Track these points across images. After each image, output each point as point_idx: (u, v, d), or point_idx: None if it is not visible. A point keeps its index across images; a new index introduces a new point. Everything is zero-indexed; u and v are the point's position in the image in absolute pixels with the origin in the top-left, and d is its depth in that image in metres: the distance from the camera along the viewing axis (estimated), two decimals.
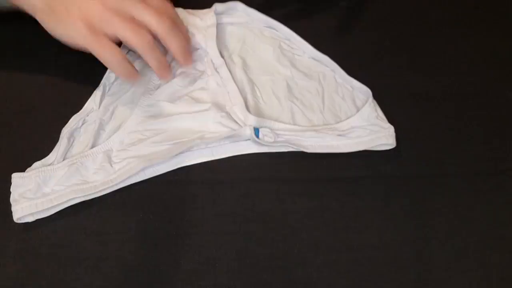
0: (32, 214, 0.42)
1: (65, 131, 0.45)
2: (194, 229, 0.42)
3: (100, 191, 0.43)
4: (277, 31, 0.54)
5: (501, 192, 0.45)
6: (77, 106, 0.48)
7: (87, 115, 0.47)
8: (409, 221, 0.43)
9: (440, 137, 0.48)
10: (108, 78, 0.48)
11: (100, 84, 0.48)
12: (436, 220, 0.43)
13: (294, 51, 0.53)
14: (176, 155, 0.45)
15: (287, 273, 0.41)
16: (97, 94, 0.47)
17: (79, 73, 0.50)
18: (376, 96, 0.49)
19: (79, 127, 0.46)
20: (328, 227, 0.43)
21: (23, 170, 0.44)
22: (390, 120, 0.48)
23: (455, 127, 0.49)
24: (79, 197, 0.43)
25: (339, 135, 0.46)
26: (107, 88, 0.48)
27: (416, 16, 0.58)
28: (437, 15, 0.58)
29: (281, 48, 0.52)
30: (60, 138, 0.45)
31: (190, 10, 0.53)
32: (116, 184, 0.43)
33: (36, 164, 0.44)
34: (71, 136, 0.45)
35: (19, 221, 0.41)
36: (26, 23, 0.54)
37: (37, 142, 0.46)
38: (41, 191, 0.42)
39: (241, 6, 0.53)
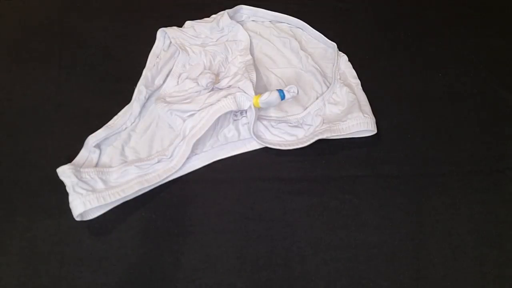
0: (93, 209, 0.42)
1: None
2: (195, 227, 0.43)
3: (164, 179, 0.44)
4: (285, 23, 0.57)
5: (498, 190, 0.45)
6: (79, 106, 0.48)
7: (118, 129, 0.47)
8: (407, 219, 0.44)
9: (437, 136, 0.49)
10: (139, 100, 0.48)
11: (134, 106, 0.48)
12: (434, 219, 0.44)
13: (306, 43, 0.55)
14: (211, 149, 0.46)
15: (286, 270, 0.41)
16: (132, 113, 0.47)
17: (81, 73, 0.51)
18: (376, 96, 0.49)
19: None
20: (327, 225, 0.43)
21: (25, 170, 0.44)
22: (390, 120, 0.49)
23: (453, 126, 0.49)
24: (144, 188, 0.43)
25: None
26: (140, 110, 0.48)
27: (416, 16, 0.58)
28: (437, 15, 0.58)
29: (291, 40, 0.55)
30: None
31: (206, 19, 0.55)
32: (176, 171, 0.44)
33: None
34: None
35: (79, 219, 0.41)
36: (28, 23, 0.55)
37: (39, 142, 0.46)
38: (104, 185, 0.42)
39: (246, 7, 0.57)
